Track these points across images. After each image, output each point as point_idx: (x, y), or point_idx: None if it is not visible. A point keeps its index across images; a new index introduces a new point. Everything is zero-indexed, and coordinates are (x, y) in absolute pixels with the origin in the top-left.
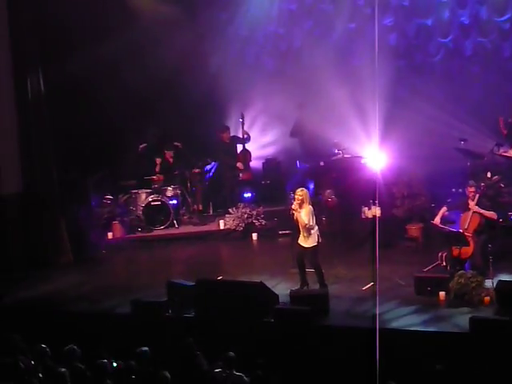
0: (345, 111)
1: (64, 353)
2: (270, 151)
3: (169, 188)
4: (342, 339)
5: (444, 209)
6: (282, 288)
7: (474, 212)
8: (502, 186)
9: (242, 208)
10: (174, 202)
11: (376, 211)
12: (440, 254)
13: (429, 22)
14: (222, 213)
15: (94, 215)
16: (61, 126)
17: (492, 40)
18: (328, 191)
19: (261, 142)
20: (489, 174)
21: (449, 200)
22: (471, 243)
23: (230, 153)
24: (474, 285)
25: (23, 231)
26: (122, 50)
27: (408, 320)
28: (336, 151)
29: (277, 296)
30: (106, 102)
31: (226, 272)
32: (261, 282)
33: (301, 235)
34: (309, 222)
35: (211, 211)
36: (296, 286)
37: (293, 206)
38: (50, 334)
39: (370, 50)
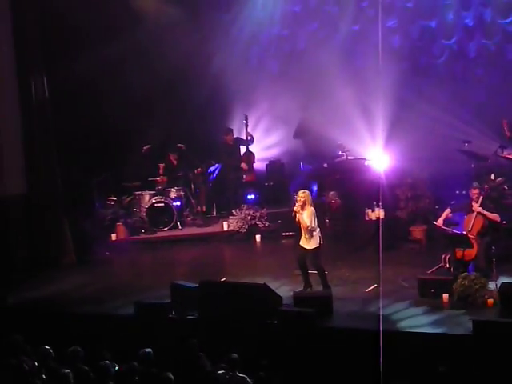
0: (349, 113)
1: (67, 354)
2: (273, 153)
3: (172, 189)
4: (345, 341)
5: (448, 210)
6: (286, 290)
7: (477, 214)
8: (506, 188)
9: (246, 210)
10: (178, 203)
11: (380, 213)
12: (443, 256)
13: (433, 23)
14: (225, 214)
15: (98, 216)
16: (64, 127)
17: (496, 42)
18: (331, 193)
19: (264, 144)
20: (492, 176)
21: (452, 202)
22: (475, 245)
23: (233, 155)
24: (477, 287)
25: (27, 232)
26: (126, 52)
27: (412, 321)
28: (340, 153)
29: (280, 298)
30: (109, 104)
31: (230, 274)
32: (264, 284)
33: (302, 237)
34: (311, 223)
35: (215, 213)
36: (299, 288)
37: (295, 208)
38: (53, 335)
39: (373, 51)
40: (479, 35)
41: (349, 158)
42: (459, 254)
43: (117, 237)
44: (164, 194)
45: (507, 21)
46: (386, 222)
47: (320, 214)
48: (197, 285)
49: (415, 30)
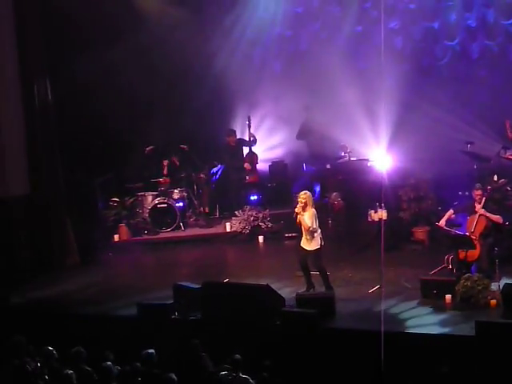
0: (351, 114)
1: (70, 355)
2: (276, 153)
3: (175, 190)
4: (347, 342)
5: (450, 211)
6: (288, 291)
7: (480, 215)
8: (509, 189)
9: (249, 211)
10: (181, 204)
11: (382, 214)
12: (446, 257)
13: (435, 24)
14: (228, 215)
15: (101, 217)
16: (67, 128)
17: (499, 43)
18: (334, 194)
19: (267, 145)
20: (495, 178)
21: (455, 203)
22: (477, 246)
23: (236, 156)
24: (480, 288)
25: (29, 233)
26: (129, 53)
27: (414, 322)
28: (342, 154)
29: (283, 299)
30: (112, 105)
31: (233, 275)
32: (267, 285)
33: (303, 238)
34: (312, 225)
35: (217, 214)
36: (302, 289)
37: (296, 209)
38: (56, 336)
39: (376, 53)
40: (482, 36)
41: (351, 158)
42: (462, 255)
43: (119, 238)
44: (167, 194)
45: (510, 22)
46: (389, 223)
47: (323, 215)
48: (199, 286)
49: (418, 31)
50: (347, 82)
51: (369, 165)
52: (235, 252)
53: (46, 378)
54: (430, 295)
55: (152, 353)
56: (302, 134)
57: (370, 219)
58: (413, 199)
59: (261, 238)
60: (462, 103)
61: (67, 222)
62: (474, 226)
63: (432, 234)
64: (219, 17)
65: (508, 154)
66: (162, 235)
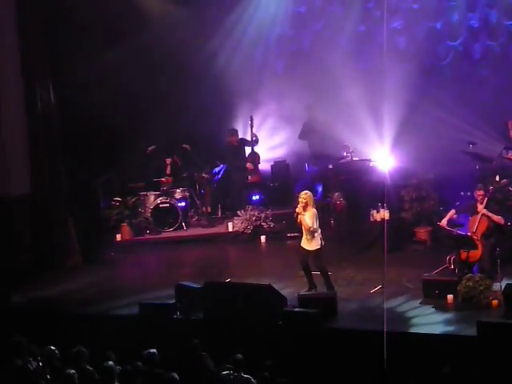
0: (354, 114)
1: (72, 354)
2: (278, 153)
3: (177, 190)
4: (349, 342)
5: (452, 212)
6: (290, 291)
7: (482, 215)
8: (511, 189)
9: (251, 210)
10: (183, 204)
11: (384, 214)
12: (448, 257)
13: (438, 25)
14: (230, 215)
15: (103, 217)
16: (69, 128)
17: (501, 43)
18: (336, 194)
19: (269, 145)
20: (497, 178)
21: (457, 203)
22: (479, 247)
23: (238, 155)
24: (482, 288)
25: (32, 233)
26: (130, 52)
27: (416, 322)
28: (345, 154)
29: (285, 298)
30: (114, 104)
31: (234, 274)
32: (269, 285)
33: (304, 238)
34: (312, 225)
35: (220, 213)
36: (304, 289)
37: (297, 209)
38: (58, 336)
39: (379, 52)
40: (484, 36)
41: (354, 159)
42: (464, 255)
43: (122, 237)
44: (169, 194)
45: None
46: (391, 223)
47: (325, 215)
48: (201, 285)
49: (420, 31)
50: (350, 82)
51: (371, 165)
52: (237, 252)
53: (48, 377)
54: (432, 295)
55: (154, 352)
56: (305, 133)
57: (372, 219)
58: (415, 199)
59: (263, 238)
60: (464, 103)
61: (69, 222)
62: (475, 226)
63: (434, 234)
64: (220, 16)
65: (510, 154)
66: (164, 235)
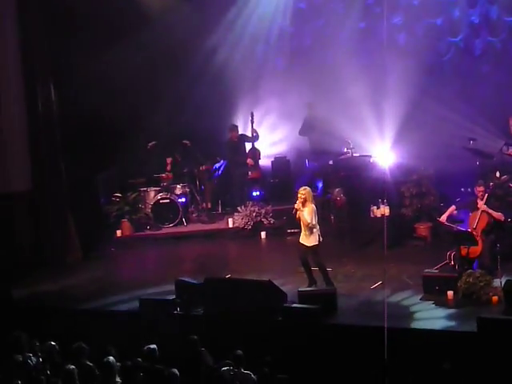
0: (354, 110)
1: (72, 350)
2: (279, 149)
3: (178, 186)
4: (350, 338)
5: (453, 208)
6: (291, 286)
7: (482, 211)
8: (511, 185)
9: (251, 206)
10: (183, 199)
11: (385, 210)
12: (448, 253)
13: (438, 21)
14: (230, 211)
15: (103, 213)
16: (69, 124)
17: (502, 39)
18: (337, 190)
19: (270, 140)
20: (498, 174)
21: (458, 199)
22: (480, 243)
23: (238, 151)
24: (482, 284)
25: (32, 229)
26: (131, 49)
27: (416, 318)
28: (345, 150)
29: (285, 294)
30: (114, 100)
31: (235, 270)
32: (269, 281)
33: (302, 234)
34: (311, 221)
35: (220, 209)
36: (304, 285)
37: (295, 205)
38: (58, 331)
39: (379, 49)
40: (485, 32)
41: (354, 155)
42: (464, 251)
43: (122, 233)
44: (169, 190)
45: None
46: (391, 219)
47: (325, 211)
48: (202, 281)
49: (421, 27)
50: (350, 78)
51: (371, 161)
52: (237, 248)
53: (48, 372)
54: (432, 291)
55: (154, 348)
56: (305, 129)
57: (372, 215)
58: (415, 195)
59: (263, 234)
60: (465, 99)
61: (69, 218)
62: (476, 222)
63: (434, 230)
64: (221, 12)
65: (511, 150)
66: (164, 231)
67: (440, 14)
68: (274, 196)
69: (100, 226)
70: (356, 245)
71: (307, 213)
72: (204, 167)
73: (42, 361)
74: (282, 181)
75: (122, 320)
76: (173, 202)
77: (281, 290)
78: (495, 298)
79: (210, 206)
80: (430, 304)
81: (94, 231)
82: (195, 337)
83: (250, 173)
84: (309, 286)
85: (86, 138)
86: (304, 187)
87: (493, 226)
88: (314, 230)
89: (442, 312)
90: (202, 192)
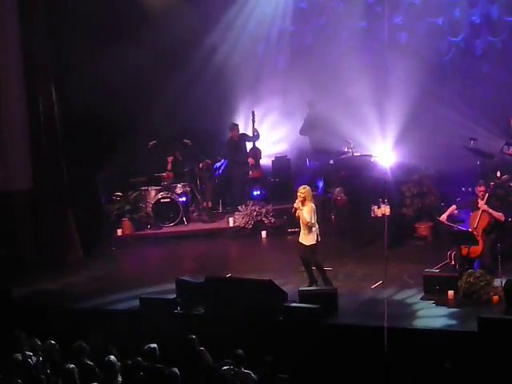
0: (355, 109)
1: (73, 349)
2: (279, 149)
3: (178, 185)
4: (350, 337)
5: (453, 207)
6: (291, 286)
7: (483, 211)
8: None
9: (252, 206)
10: (184, 199)
11: (385, 210)
12: (449, 253)
13: (439, 21)
14: (231, 210)
15: (104, 212)
16: (70, 123)
17: (503, 39)
18: (337, 189)
19: (271, 140)
20: (498, 174)
21: (458, 199)
22: (480, 242)
23: (239, 150)
24: (482, 284)
25: (33, 228)
26: (131, 49)
27: (417, 318)
28: (346, 149)
29: (285, 294)
30: (115, 99)
31: (235, 270)
32: (270, 280)
33: (301, 233)
34: (311, 219)
35: (220, 209)
36: (305, 284)
37: (295, 204)
38: (58, 330)
39: (380, 48)
40: (486, 32)
41: (355, 154)
42: (465, 251)
43: (122, 232)
44: (170, 189)
45: None
46: (392, 219)
47: (326, 211)
48: (202, 281)
49: (422, 27)
50: (351, 77)
51: (372, 160)
52: (238, 247)
53: (48, 371)
54: (433, 291)
55: (154, 347)
56: (306, 129)
57: (373, 215)
58: (416, 195)
59: (263, 233)
60: (466, 99)
61: (70, 217)
62: (476, 222)
63: (435, 229)
64: (222, 11)
65: (511, 150)
66: (164, 230)
67: (441, 13)
68: (275, 195)
69: (100, 225)
70: (357, 244)
71: (306, 212)
72: (203, 164)
73: (42, 360)
74: (282, 180)
75: (122, 319)
76: (173, 201)
77: (281, 290)
78: (496, 298)
79: (210, 205)
80: (430, 304)
81: (95, 230)
82: (193, 336)
83: (250, 172)
84: (309, 286)
85: (87, 137)
86: (303, 186)
87: (493, 226)
88: (313, 228)
89: (443, 312)
90: (202, 191)
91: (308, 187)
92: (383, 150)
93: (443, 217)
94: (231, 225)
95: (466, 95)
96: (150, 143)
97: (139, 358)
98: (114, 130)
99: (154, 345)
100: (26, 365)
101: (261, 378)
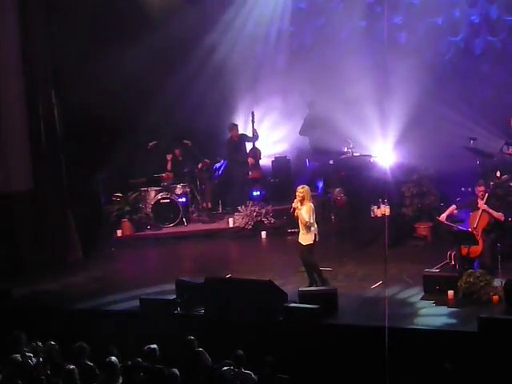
0: (355, 109)
1: (73, 350)
2: (279, 149)
3: (178, 186)
4: (350, 338)
5: (453, 207)
6: (291, 286)
7: (483, 211)
8: None
9: (251, 206)
10: (183, 199)
11: (385, 210)
12: (449, 253)
13: (439, 20)
14: (231, 211)
15: (103, 213)
16: (70, 124)
17: (502, 39)
18: (337, 190)
19: (270, 140)
20: (498, 174)
21: (458, 199)
22: (480, 242)
23: (238, 150)
24: (482, 284)
25: (33, 228)
26: (131, 49)
27: (417, 318)
28: (345, 149)
29: (285, 294)
30: (115, 100)
31: (235, 270)
32: (269, 281)
33: (300, 233)
34: (309, 219)
35: (220, 209)
36: (305, 285)
37: (293, 204)
38: (58, 331)
39: (380, 48)
40: (485, 32)
41: (354, 154)
42: (464, 251)
43: (122, 233)
44: (170, 190)
45: None
46: (392, 219)
47: (326, 211)
48: (202, 281)
49: (421, 26)
50: (351, 77)
51: (372, 160)
52: (238, 247)
53: (48, 372)
54: (433, 291)
55: (154, 348)
56: (305, 129)
57: (372, 215)
58: (415, 195)
59: (263, 234)
60: (465, 99)
61: (70, 217)
62: (476, 221)
63: (434, 229)
64: (221, 11)
65: (511, 150)
66: (164, 230)
67: (440, 13)
68: (275, 196)
69: (100, 225)
70: (356, 244)
71: (305, 211)
72: (203, 163)
73: (42, 361)
74: (282, 180)
75: (122, 320)
76: (173, 202)
77: (281, 290)
78: (496, 298)
79: (210, 205)
80: (430, 304)
81: (95, 231)
82: (192, 337)
83: (250, 172)
84: (309, 286)
85: (87, 137)
86: (302, 186)
87: (493, 226)
88: (312, 228)
89: (443, 312)
90: (202, 192)
91: (306, 187)
92: (383, 150)
93: (443, 217)
94: (231, 225)
95: (465, 95)
96: (150, 144)
97: (139, 359)
98: (114, 131)
99: (154, 345)
100: (26, 365)
101: (261, 378)
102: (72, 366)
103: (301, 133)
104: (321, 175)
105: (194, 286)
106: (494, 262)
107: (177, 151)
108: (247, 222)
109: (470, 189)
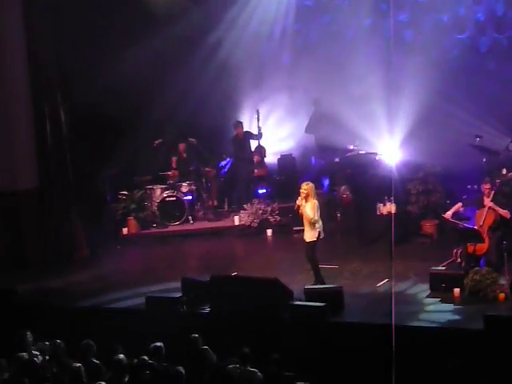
0: (361, 107)
1: (80, 348)
2: (284, 146)
3: (184, 184)
4: (356, 335)
5: (459, 205)
6: (297, 284)
7: (489, 209)
8: None
9: (257, 204)
10: (189, 197)
11: (391, 207)
12: (455, 251)
13: (445, 18)
14: (236, 209)
15: (109, 211)
16: (76, 122)
17: (508, 36)
18: (343, 187)
19: (276, 137)
20: (504, 171)
21: (464, 196)
22: (486, 240)
23: (244, 148)
24: (488, 281)
25: (39, 226)
26: (137, 46)
27: (423, 316)
28: (351, 147)
29: (291, 292)
30: (121, 98)
31: (241, 268)
32: (275, 278)
33: (305, 230)
34: (314, 216)
35: (226, 207)
36: (311, 283)
37: (297, 201)
38: (64, 329)
39: (385, 45)
40: (491, 29)
41: (360, 152)
42: (471, 248)
43: (128, 231)
44: (175, 188)
45: None
46: (398, 217)
47: (331, 209)
48: (208, 279)
49: (427, 24)
50: (356, 75)
51: (377, 158)
52: (243, 245)
53: (54, 370)
54: (439, 289)
55: (160, 346)
56: (311, 127)
57: (378, 213)
58: (421, 192)
59: (269, 232)
60: (472, 96)
61: (76, 216)
62: (482, 219)
63: (440, 227)
64: (225, 8)
65: None
66: (170, 228)
67: (446, 10)
68: (280, 193)
69: (106, 223)
70: (362, 242)
71: (309, 208)
72: (210, 165)
73: (48, 359)
74: (288, 178)
75: (127, 318)
76: (179, 200)
77: (287, 288)
78: (502, 296)
79: (216, 203)
80: (436, 301)
81: (101, 229)
82: (197, 335)
83: (256, 170)
84: (315, 284)
85: (92, 136)
86: (306, 182)
87: (499, 223)
88: (317, 225)
89: (449, 309)
90: (208, 190)
91: (311, 184)
92: (389, 148)
93: (449, 214)
94: (237, 223)
95: (471, 92)
96: (156, 142)
97: (145, 357)
98: (120, 129)
99: (160, 343)
100: (32, 364)
101: (267, 376)
102: (78, 364)
103: (306, 130)
104: (326, 173)
105: (199, 283)
106: (500, 259)
107: (182, 149)
108: (253, 220)
109: (476, 186)
